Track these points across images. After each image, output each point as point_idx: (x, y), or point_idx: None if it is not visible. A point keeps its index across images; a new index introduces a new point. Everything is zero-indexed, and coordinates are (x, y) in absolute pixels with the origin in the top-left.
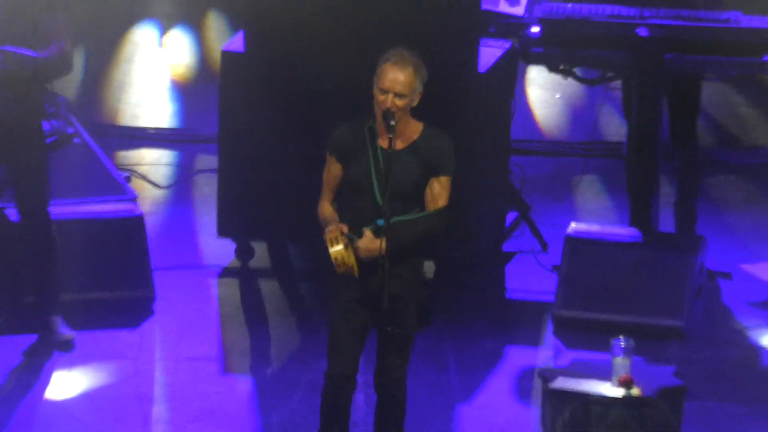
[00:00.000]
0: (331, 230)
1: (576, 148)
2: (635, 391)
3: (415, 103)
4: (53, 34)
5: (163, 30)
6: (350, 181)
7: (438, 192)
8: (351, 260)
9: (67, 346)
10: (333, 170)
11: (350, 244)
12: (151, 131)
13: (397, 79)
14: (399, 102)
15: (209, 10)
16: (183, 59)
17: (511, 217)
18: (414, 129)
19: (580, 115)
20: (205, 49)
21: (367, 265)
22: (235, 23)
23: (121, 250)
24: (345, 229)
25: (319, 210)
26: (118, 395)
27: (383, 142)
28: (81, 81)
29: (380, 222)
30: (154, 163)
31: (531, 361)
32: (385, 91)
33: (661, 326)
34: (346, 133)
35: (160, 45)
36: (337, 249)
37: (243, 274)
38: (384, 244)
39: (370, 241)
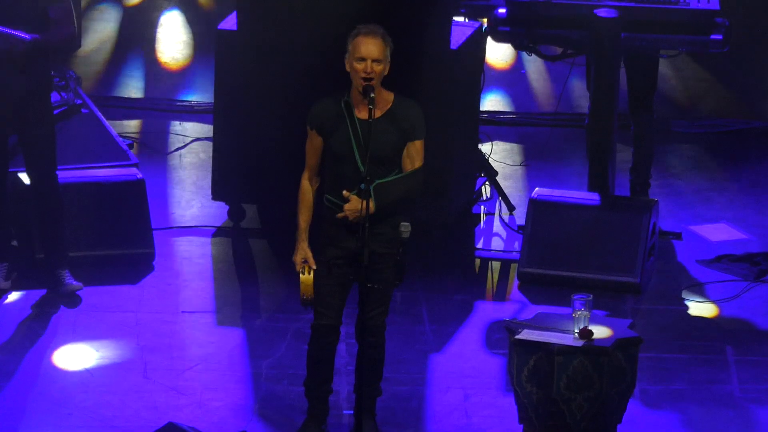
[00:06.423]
0: (301, 259)
1: (540, 119)
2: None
3: (386, 72)
4: (58, 19)
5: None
6: (333, 151)
7: (414, 154)
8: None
9: (74, 298)
10: (315, 143)
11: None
12: (152, 103)
13: (371, 47)
14: (377, 67)
15: None
16: (179, 37)
17: (480, 181)
18: (387, 98)
19: (543, 89)
20: (199, 28)
21: (351, 225)
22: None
23: (124, 211)
24: (311, 260)
25: (301, 189)
26: (121, 345)
27: (360, 114)
28: (89, 57)
29: (363, 186)
30: (154, 132)
31: (498, 314)
32: (362, 59)
33: (617, 282)
34: (325, 108)
35: (159, 24)
36: (306, 277)
37: (235, 233)
38: (367, 206)
39: (355, 204)
